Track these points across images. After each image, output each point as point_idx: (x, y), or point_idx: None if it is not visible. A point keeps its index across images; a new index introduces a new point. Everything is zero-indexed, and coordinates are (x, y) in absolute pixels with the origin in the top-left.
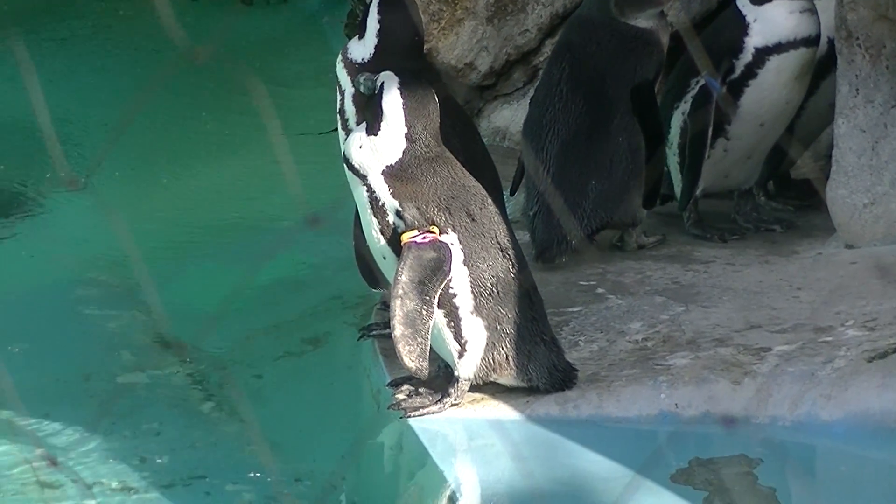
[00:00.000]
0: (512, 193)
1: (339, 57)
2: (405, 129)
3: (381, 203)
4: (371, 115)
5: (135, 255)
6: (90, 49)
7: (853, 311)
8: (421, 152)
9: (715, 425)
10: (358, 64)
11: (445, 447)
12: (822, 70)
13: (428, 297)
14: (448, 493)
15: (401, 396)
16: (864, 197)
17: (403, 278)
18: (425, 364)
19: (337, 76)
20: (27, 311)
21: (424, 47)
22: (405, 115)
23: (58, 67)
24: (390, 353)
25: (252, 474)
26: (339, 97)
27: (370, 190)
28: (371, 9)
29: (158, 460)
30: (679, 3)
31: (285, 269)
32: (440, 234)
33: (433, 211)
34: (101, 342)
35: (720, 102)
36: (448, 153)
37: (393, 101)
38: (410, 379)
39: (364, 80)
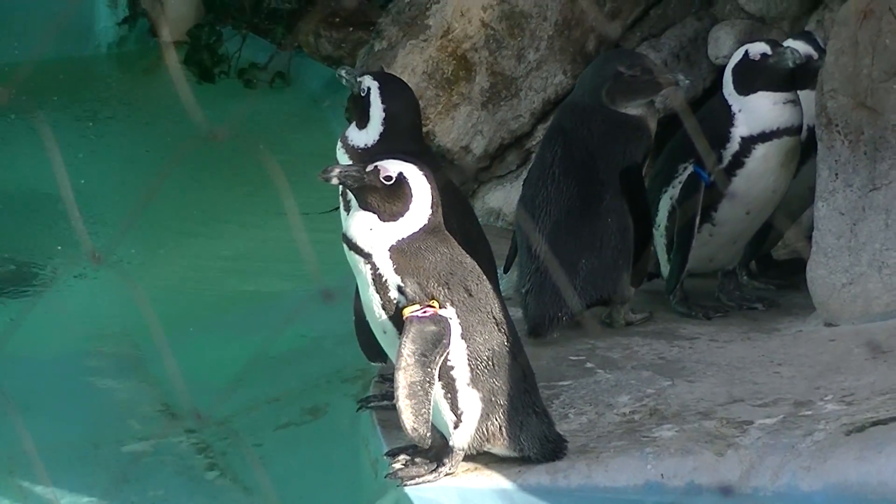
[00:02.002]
0: (505, 271)
1: (339, 143)
2: (427, 219)
3: (384, 279)
4: (388, 200)
5: (154, 323)
6: (105, 129)
7: (832, 386)
8: (426, 232)
9: (700, 496)
10: (361, 149)
11: None
12: (802, 156)
13: (430, 369)
14: None
15: (398, 465)
16: (843, 277)
17: (406, 351)
18: (428, 433)
19: (337, 161)
20: (37, 380)
21: (423, 131)
22: (431, 205)
23: (74, 147)
24: (388, 424)
25: None
26: None
27: (374, 268)
28: (371, 98)
29: None
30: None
31: (286, 342)
32: (440, 308)
33: (433, 286)
34: (109, 411)
35: (716, 180)
36: (446, 232)
37: (421, 192)
38: (407, 449)
39: (346, 73)
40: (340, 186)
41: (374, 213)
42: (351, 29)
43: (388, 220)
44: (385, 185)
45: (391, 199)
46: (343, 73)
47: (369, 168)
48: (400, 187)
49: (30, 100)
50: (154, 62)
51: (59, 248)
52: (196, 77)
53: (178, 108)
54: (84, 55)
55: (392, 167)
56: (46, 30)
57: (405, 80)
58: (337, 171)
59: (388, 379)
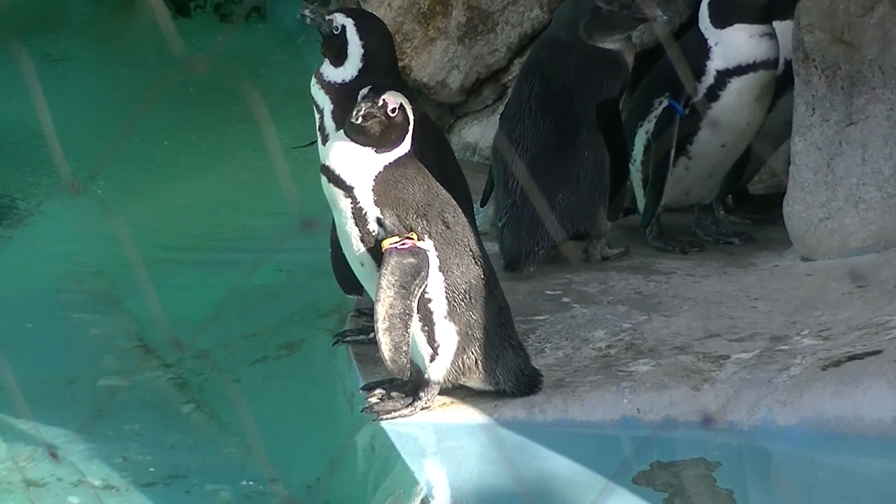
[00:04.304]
0: (482, 205)
1: (314, 79)
2: (409, 146)
3: (364, 212)
4: (389, 132)
5: (134, 256)
6: (81, 63)
7: (808, 320)
8: (406, 158)
9: (677, 430)
10: (338, 85)
11: (416, 449)
12: (778, 90)
13: (409, 301)
14: (418, 492)
15: (373, 400)
16: (820, 212)
17: (386, 282)
18: (407, 364)
19: (312, 97)
20: (12, 316)
21: (399, 65)
22: (412, 134)
23: (49, 82)
24: (364, 359)
25: (230, 474)
26: (317, 115)
27: (354, 200)
28: (348, 36)
29: (140, 460)
30: (642, 26)
31: (262, 277)
32: (418, 240)
33: (412, 218)
34: (84, 347)
35: (697, 107)
36: (421, 165)
37: (411, 121)
38: (383, 383)
39: (311, 13)
40: (318, 120)
41: (371, 146)
42: None
43: (384, 152)
44: (391, 117)
45: (392, 130)
46: (307, 12)
47: (380, 103)
48: (400, 118)
49: (3, 35)
50: None
51: (36, 183)
52: (172, 11)
53: (154, 42)
54: None
55: (393, 99)
56: None
57: (382, 14)
58: (364, 111)
59: (364, 314)
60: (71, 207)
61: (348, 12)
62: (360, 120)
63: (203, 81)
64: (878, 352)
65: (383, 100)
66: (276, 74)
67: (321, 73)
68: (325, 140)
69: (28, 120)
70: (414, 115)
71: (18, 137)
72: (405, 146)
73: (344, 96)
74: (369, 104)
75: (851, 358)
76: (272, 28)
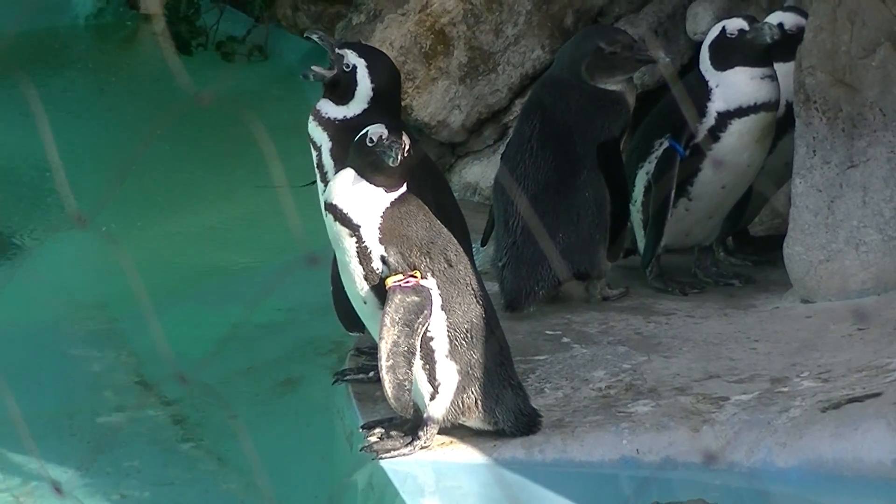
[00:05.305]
0: (483, 245)
1: (311, 117)
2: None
3: (368, 251)
4: (402, 170)
5: (138, 291)
6: (82, 99)
7: (808, 362)
8: (407, 198)
9: (676, 471)
10: (339, 121)
11: (415, 488)
12: (778, 131)
13: (412, 340)
14: None
15: (373, 439)
16: (820, 254)
17: (389, 320)
18: (410, 402)
19: (309, 134)
20: (12, 351)
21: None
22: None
23: (51, 118)
24: (363, 397)
25: None
26: (314, 153)
27: (360, 240)
28: (358, 77)
29: (139, 497)
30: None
31: (261, 314)
32: (421, 278)
33: (415, 255)
34: (84, 382)
35: (701, 145)
36: (421, 202)
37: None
38: (382, 422)
39: (320, 39)
40: (315, 158)
41: (384, 186)
42: (329, 2)
43: (391, 190)
44: (406, 156)
45: (403, 168)
46: (316, 38)
47: (408, 145)
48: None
49: (6, 70)
50: (131, 34)
51: (37, 217)
52: (173, 50)
53: (155, 79)
54: (61, 26)
55: (405, 137)
56: (24, 1)
57: None
58: (397, 153)
59: (363, 352)
60: (72, 242)
61: (360, 51)
62: (397, 162)
63: (205, 119)
64: (878, 394)
65: (403, 136)
66: (278, 112)
67: (318, 111)
68: (323, 177)
69: (29, 154)
70: (414, 154)
71: (19, 171)
72: (404, 183)
73: (343, 133)
74: (399, 146)
75: (851, 400)
76: (274, 66)
